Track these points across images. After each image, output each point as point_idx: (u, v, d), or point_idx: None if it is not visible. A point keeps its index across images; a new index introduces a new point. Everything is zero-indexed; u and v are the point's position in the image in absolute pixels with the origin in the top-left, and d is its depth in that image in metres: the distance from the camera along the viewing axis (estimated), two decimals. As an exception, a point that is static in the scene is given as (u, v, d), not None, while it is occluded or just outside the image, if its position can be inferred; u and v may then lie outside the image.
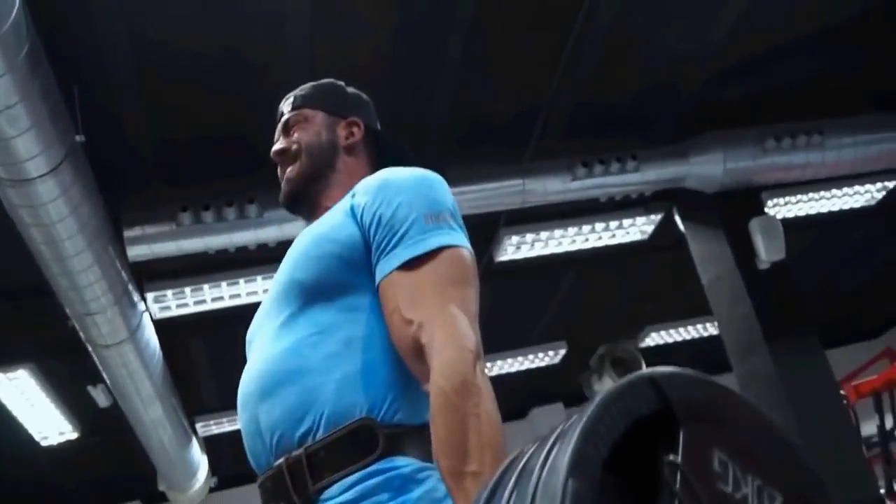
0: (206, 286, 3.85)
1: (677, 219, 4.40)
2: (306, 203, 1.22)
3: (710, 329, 6.44)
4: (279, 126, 1.28)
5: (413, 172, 1.10)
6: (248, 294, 4.02)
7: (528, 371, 6.34)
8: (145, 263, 3.26)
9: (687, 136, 3.74)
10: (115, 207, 3.06)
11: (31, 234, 2.71)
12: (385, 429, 0.96)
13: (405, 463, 0.95)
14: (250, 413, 1.04)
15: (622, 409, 0.57)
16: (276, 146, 1.26)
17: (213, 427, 5.52)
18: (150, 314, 3.87)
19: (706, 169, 3.81)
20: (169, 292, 3.81)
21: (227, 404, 5.46)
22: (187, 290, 3.85)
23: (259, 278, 3.91)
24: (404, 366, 0.98)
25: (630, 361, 6.58)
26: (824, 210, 4.74)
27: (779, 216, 4.27)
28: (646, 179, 3.79)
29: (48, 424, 4.77)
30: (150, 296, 3.76)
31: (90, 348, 3.53)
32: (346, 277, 1.03)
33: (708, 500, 0.56)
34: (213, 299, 3.99)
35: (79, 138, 2.59)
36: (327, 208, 1.16)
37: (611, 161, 3.57)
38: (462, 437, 0.87)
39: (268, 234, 3.19)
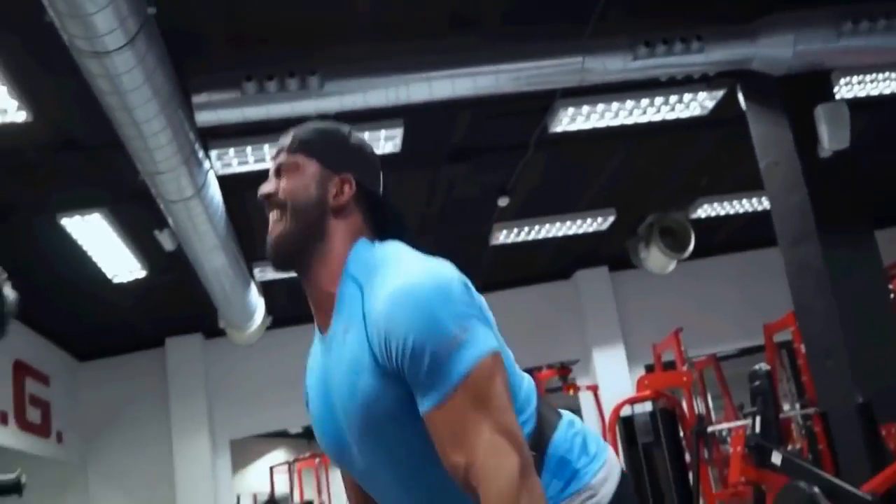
0: (266, 146, 4.09)
1: (740, 97, 4.38)
2: (298, 272, 1.22)
3: (765, 203, 6.51)
4: (272, 166, 1.26)
5: (416, 296, 1.08)
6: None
7: (575, 235, 6.56)
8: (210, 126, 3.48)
9: (755, 17, 3.67)
10: (184, 75, 3.24)
11: (108, 102, 2.94)
12: None
13: None
14: None
15: None
16: (264, 188, 1.24)
17: (269, 273, 5.98)
18: (214, 171, 4.15)
19: (774, 51, 3.75)
20: (231, 150, 4.06)
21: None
22: (248, 149, 4.09)
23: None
24: None
25: (679, 231, 6.78)
26: (887, 91, 4.66)
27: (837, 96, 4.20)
28: (710, 60, 3.77)
29: (119, 264, 5.26)
30: (213, 153, 4.02)
31: (159, 202, 3.86)
32: (404, 410, 1.09)
33: None
34: (273, 157, 4.23)
35: (150, 10, 2.73)
36: (326, 292, 1.18)
37: (674, 41, 3.55)
38: None
39: (329, 104, 3.36)
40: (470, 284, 1.15)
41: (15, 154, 3.87)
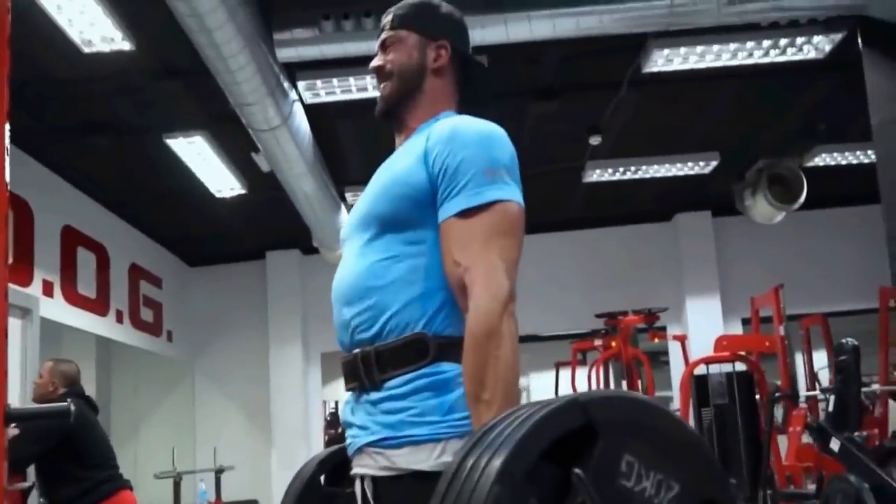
0: (351, 79, 4.28)
1: (859, 42, 4.12)
2: (396, 120, 1.47)
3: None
4: (378, 42, 1.49)
5: (479, 129, 1.31)
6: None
7: (676, 177, 6.44)
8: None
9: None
10: (268, 13, 3.45)
11: (197, 39, 3.20)
12: (436, 340, 1.25)
13: (450, 368, 1.24)
14: (338, 309, 1.38)
15: (552, 428, 0.79)
16: (374, 63, 1.48)
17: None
18: (302, 101, 4.40)
19: (892, -3, 3.51)
20: (318, 82, 4.28)
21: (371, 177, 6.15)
22: (335, 80, 4.30)
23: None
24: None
25: (791, 180, 6.50)
26: None
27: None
28: (817, 5, 3.58)
29: (221, 181, 5.70)
30: (301, 84, 4.26)
31: (249, 131, 4.16)
32: (414, 215, 1.30)
33: (607, 496, 0.79)
34: (358, 90, 4.43)
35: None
36: (412, 129, 1.43)
37: (773, -15, 3.40)
38: (482, 372, 1.16)
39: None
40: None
41: (123, 78, 4.26)
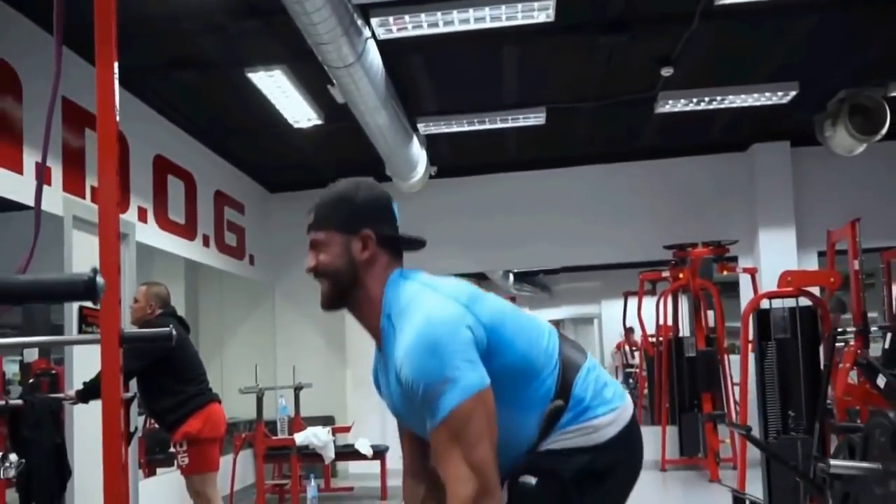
0: (422, 14, 4.47)
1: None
2: (350, 312, 1.63)
3: None
4: (308, 241, 1.62)
5: (412, 344, 1.44)
6: (461, 22, 4.60)
7: (753, 108, 6.40)
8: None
9: None
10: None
11: (275, -16, 3.45)
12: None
13: None
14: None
15: None
16: (307, 264, 1.62)
17: (432, 127, 6.52)
18: (376, 36, 4.63)
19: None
20: (391, 18, 4.50)
21: (444, 108, 6.37)
22: (406, 17, 4.50)
23: (470, 10, 4.46)
24: None
25: (874, 110, 6.40)
26: None
27: None
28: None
29: (299, 112, 6.02)
30: (374, 21, 4.47)
31: (325, 67, 4.43)
32: None
33: None
34: (429, 25, 4.62)
35: None
36: (374, 326, 1.57)
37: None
38: None
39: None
40: (461, 316, 1.46)
41: (209, 18, 4.56)
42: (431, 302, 1.49)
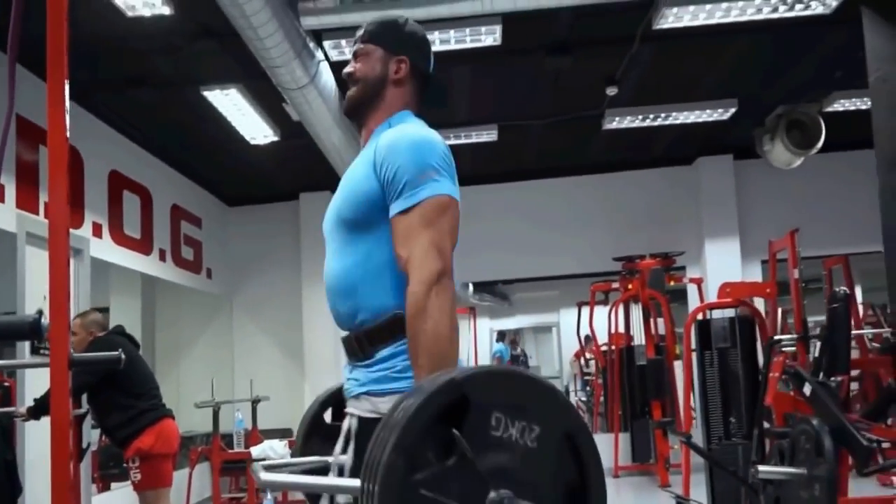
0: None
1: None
2: (358, 118, 1.79)
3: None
4: (351, 52, 1.81)
5: (413, 139, 1.60)
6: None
7: (696, 124, 6.68)
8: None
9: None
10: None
11: (229, 11, 3.58)
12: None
13: None
14: (331, 301, 1.72)
15: (435, 403, 1.05)
16: (346, 70, 1.79)
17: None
18: (328, 58, 4.76)
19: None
20: (342, 41, 4.63)
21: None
22: (359, 39, 4.64)
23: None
24: None
25: (809, 125, 6.71)
26: None
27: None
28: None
29: (255, 129, 6.12)
30: (327, 44, 4.60)
31: (279, 89, 4.55)
32: (374, 217, 1.62)
33: (483, 444, 1.05)
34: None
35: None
36: (371, 129, 1.74)
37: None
38: (414, 343, 1.49)
39: (418, 13, 3.81)
40: (451, 154, 1.66)
41: (164, 38, 4.66)
42: (430, 130, 1.69)
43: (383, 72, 1.75)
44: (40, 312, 1.11)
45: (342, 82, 5.16)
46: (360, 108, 1.77)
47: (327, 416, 1.89)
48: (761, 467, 3.16)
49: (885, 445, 5.86)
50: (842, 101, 6.41)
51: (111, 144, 6.01)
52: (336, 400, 1.84)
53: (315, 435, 1.84)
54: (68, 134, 1.62)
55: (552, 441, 1.12)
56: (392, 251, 1.59)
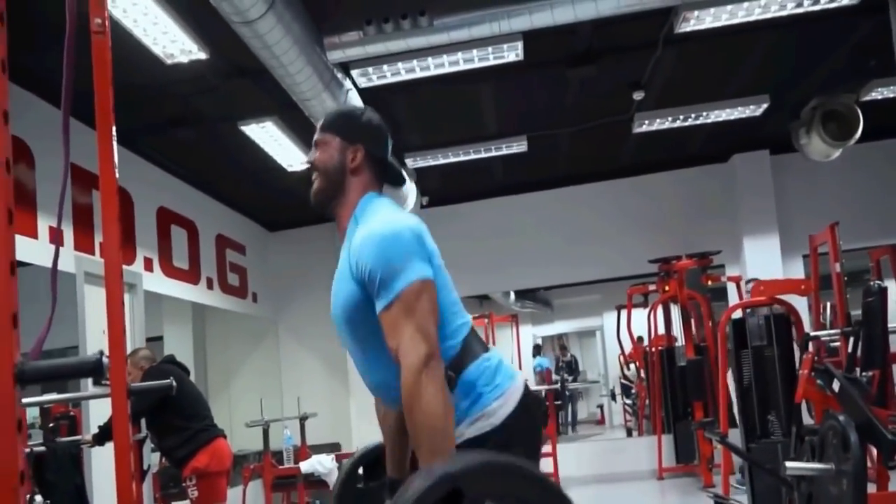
0: (399, 63, 4.84)
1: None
2: (326, 210, 1.89)
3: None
4: (313, 141, 1.92)
5: (380, 235, 1.69)
6: (436, 66, 4.95)
7: (727, 121, 6.71)
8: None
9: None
10: (318, 20, 4.03)
11: (261, 54, 3.83)
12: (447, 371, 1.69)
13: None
14: (372, 392, 1.90)
15: (428, 500, 1.12)
16: (306, 158, 1.95)
17: (420, 161, 6.89)
18: (357, 85, 4.99)
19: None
20: (370, 69, 4.86)
21: (430, 143, 6.73)
22: (385, 66, 4.86)
23: (444, 56, 4.81)
24: None
25: (847, 115, 6.68)
26: None
27: None
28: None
29: (291, 157, 6.38)
30: (355, 72, 4.84)
31: (311, 120, 4.79)
32: (369, 315, 1.71)
33: None
34: (406, 71, 4.98)
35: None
36: (343, 227, 1.85)
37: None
38: (412, 426, 1.60)
39: (438, 38, 4.02)
40: (421, 230, 1.75)
41: (201, 81, 4.94)
42: (398, 212, 1.80)
43: (341, 160, 1.86)
44: (101, 353, 1.31)
45: (373, 104, 5.38)
46: (326, 201, 1.89)
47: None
48: (788, 463, 3.24)
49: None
50: (879, 89, 6.37)
51: (158, 182, 6.35)
52: (371, 458, 2.03)
53: (347, 499, 2.03)
54: (117, 175, 1.72)
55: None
56: None
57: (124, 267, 5.53)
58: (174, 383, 2.32)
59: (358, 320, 1.77)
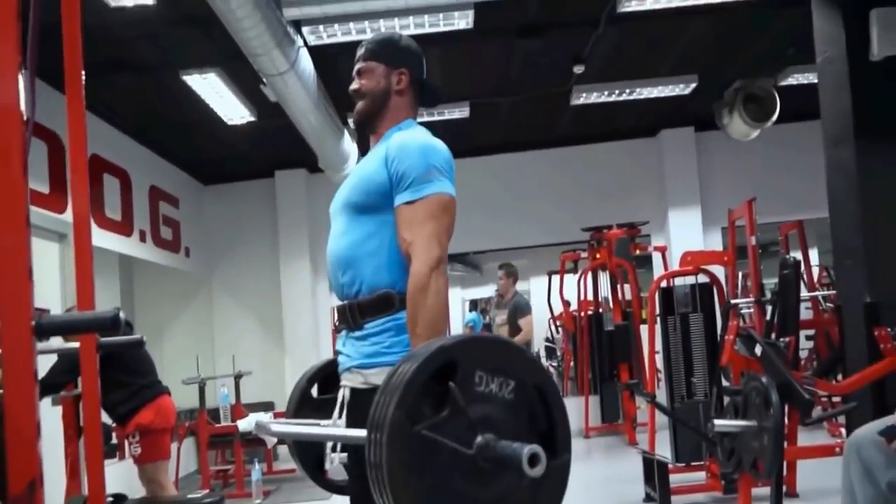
0: (351, 23, 4.81)
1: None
2: (368, 127, 2.02)
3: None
4: (354, 70, 2.02)
5: (421, 143, 1.85)
6: (386, 29, 4.96)
7: (659, 98, 6.98)
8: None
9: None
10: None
11: (215, 3, 3.76)
12: (399, 296, 1.80)
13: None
14: (332, 272, 1.94)
15: (428, 368, 1.23)
16: (352, 87, 2.02)
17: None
18: (306, 42, 4.94)
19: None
20: (321, 27, 4.82)
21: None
22: (336, 25, 4.83)
23: (396, 19, 4.82)
24: None
25: (765, 99, 7.03)
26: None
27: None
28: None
29: (233, 111, 6.28)
30: (305, 29, 4.79)
31: (261, 75, 4.73)
32: (379, 203, 1.85)
33: (469, 398, 1.24)
34: (358, 32, 4.96)
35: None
36: (381, 133, 1.98)
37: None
38: (414, 315, 1.71)
39: (395, 3, 4.03)
40: (453, 161, 1.91)
41: (146, 26, 4.80)
42: (432, 136, 1.93)
43: (387, 85, 1.98)
44: (118, 309, 1.32)
45: (321, 67, 5.35)
46: (370, 119, 2.00)
47: (314, 390, 2.13)
48: (717, 421, 3.49)
49: (836, 399, 6.31)
50: (795, 75, 6.75)
51: (91, 129, 6.07)
52: (322, 376, 2.09)
53: (304, 407, 2.08)
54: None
55: (525, 393, 1.31)
56: (391, 236, 1.85)
57: (56, 216, 5.36)
58: (144, 338, 2.32)
59: (365, 204, 1.87)
